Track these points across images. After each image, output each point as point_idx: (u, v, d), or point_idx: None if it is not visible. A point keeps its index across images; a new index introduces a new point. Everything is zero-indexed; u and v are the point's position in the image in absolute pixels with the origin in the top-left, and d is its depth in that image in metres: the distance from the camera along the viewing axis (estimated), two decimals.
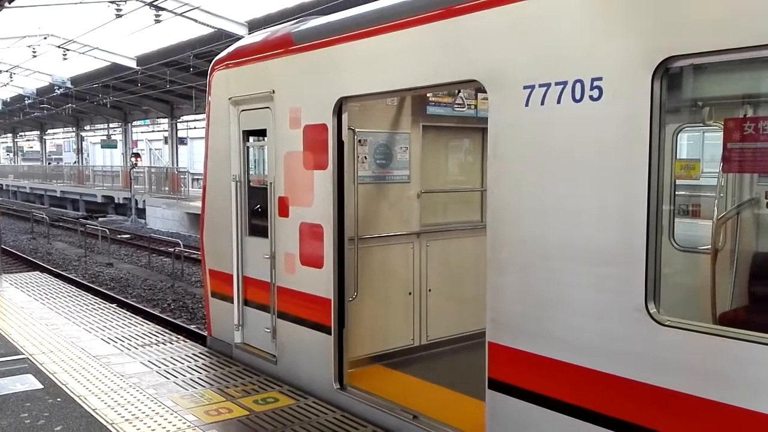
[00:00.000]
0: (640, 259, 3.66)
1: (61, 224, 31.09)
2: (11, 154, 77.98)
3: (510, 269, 4.41)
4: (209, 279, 8.01)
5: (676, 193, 5.27)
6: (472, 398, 5.52)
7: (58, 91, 41.18)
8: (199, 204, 9.46)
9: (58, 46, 32.79)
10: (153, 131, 53.69)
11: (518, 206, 4.33)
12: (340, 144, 5.88)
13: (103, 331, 8.69)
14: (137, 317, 9.82)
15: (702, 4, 3.40)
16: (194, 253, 17.91)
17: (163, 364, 7.30)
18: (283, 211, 6.59)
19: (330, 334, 6.00)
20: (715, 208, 4.77)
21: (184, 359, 7.49)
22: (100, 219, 33.75)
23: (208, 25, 24.81)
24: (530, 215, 4.25)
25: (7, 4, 14.82)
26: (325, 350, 6.09)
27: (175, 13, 23.83)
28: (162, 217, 30.11)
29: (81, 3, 25.19)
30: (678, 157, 5.62)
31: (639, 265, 3.67)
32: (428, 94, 7.12)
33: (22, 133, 74.20)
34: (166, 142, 46.71)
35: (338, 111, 5.82)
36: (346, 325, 5.96)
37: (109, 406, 6.01)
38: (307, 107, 6.19)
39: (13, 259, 20.79)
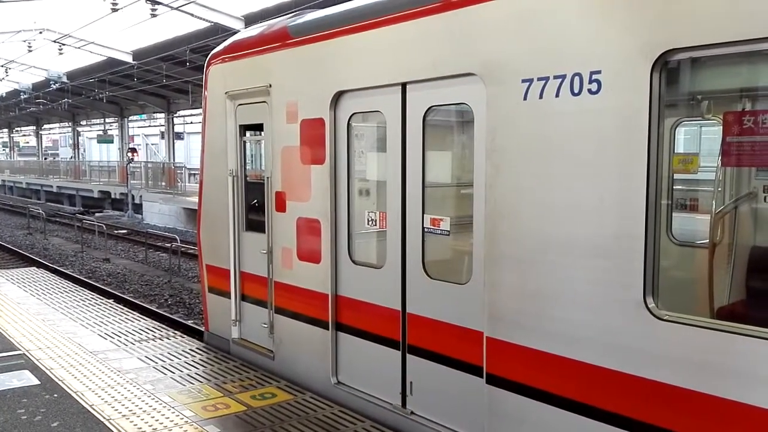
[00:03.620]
0: (639, 253, 3.65)
1: (57, 220, 30.98)
2: (7, 150, 77.74)
3: (508, 263, 4.40)
4: (206, 274, 7.99)
5: (674, 187, 5.26)
6: None
7: (54, 86, 41.00)
8: (195, 199, 9.44)
9: (54, 41, 32.66)
10: (149, 126, 53.59)
11: (516, 200, 4.31)
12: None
13: (100, 326, 8.67)
14: (134, 313, 9.79)
15: None
16: (191, 249, 17.85)
17: (160, 359, 7.29)
18: (280, 206, 6.57)
19: (327, 329, 5.99)
20: (713, 202, 4.76)
21: (181, 355, 7.48)
22: (96, 214, 33.67)
23: (204, 20, 24.74)
24: (528, 209, 4.24)
25: None
26: (322, 345, 6.08)
27: (171, 7, 23.72)
28: (159, 212, 30.03)
29: None
30: (675, 152, 5.61)
31: (638, 259, 3.66)
32: None
33: (18, 129, 74.00)
34: (162, 137, 46.61)
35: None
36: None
37: (105, 401, 5.99)
38: (304, 101, 6.16)
39: (10, 254, 20.75)
